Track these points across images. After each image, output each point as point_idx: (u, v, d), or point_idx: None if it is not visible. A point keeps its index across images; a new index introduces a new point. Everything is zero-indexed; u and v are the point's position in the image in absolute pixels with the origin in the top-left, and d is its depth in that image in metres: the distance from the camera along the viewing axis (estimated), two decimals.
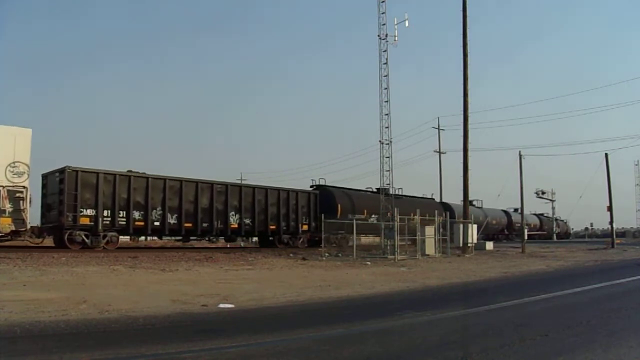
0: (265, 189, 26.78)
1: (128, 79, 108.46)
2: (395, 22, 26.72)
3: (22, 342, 5.80)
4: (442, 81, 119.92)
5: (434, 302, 10.23)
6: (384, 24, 26.14)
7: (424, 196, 39.03)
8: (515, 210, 53.55)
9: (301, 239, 28.01)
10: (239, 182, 26.21)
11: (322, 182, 31.65)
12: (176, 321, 7.28)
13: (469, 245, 27.68)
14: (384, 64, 26.06)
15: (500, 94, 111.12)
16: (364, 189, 35.12)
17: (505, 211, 52.61)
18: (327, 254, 21.89)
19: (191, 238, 25.39)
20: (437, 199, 47.24)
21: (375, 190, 33.73)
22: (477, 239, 31.84)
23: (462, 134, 29.00)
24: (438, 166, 53.27)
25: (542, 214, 63.22)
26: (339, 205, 29.60)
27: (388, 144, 26.28)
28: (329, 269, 16.72)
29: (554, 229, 63.76)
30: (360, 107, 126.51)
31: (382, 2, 26.19)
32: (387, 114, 26.00)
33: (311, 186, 31.02)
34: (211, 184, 24.15)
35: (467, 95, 28.71)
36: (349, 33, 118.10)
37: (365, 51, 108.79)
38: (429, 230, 24.49)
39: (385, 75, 26.03)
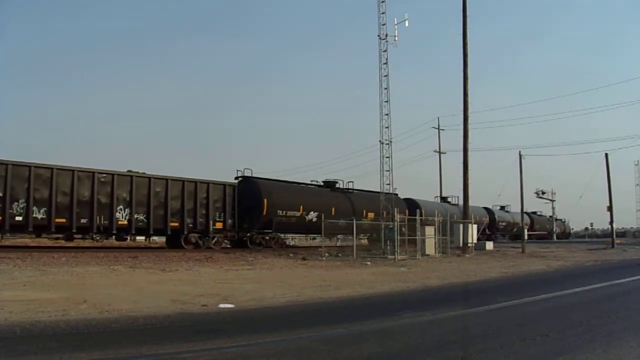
0: (165, 180, 22.52)
1: (128, 79, 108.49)
2: (395, 22, 26.79)
3: (22, 342, 5.80)
4: (442, 81, 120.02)
5: (434, 302, 10.23)
6: (384, 24, 26.20)
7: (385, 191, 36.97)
8: (502, 208, 51.59)
9: (215, 239, 23.87)
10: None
11: (248, 173, 27.04)
12: (176, 321, 7.28)
13: (469, 245, 27.68)
14: (384, 64, 26.11)
15: (500, 94, 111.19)
16: (305, 182, 31.10)
17: (487, 209, 48.88)
18: (327, 254, 21.89)
19: (75, 236, 21.57)
20: (438, 199, 46.55)
21: (321, 183, 31.05)
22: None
23: (462, 134, 29.05)
24: (438, 166, 53.34)
25: (534, 212, 59.15)
26: (266, 200, 25.49)
27: (388, 144, 26.33)
28: (329, 269, 16.72)
29: (554, 229, 63.54)
30: (360, 107, 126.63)
31: (382, 2, 26.22)
32: (387, 114, 26.05)
33: (236, 177, 26.82)
34: (92, 173, 20.50)
35: (467, 95, 28.72)
36: (349, 33, 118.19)
37: (365, 51, 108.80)
38: (429, 230, 24.48)
39: (385, 75, 26.08)
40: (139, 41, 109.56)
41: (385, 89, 25.96)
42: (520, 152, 33.98)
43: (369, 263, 19.55)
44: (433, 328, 7.15)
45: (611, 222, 38.92)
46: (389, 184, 26.91)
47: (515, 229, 51.64)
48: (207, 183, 23.97)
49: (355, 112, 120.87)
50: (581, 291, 11.60)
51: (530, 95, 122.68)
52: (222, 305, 8.69)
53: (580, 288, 12.06)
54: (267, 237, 26.38)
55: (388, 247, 23.29)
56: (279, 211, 25.99)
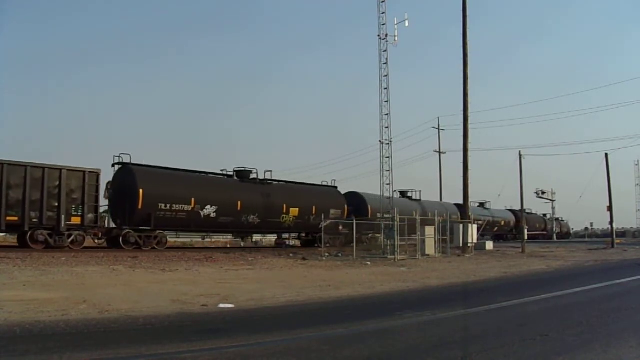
0: (1, 164, 18.50)
1: (127, 78, 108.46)
2: (395, 22, 26.78)
3: (22, 342, 5.80)
4: (442, 81, 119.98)
5: (434, 302, 10.23)
6: (384, 24, 26.20)
7: (324, 184, 30.78)
8: (481, 204, 47.24)
9: (72, 237, 19.73)
10: None
11: (126, 160, 22.39)
12: (176, 321, 7.28)
13: (469, 245, 27.69)
14: (383, 64, 26.10)
15: (500, 94, 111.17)
16: (205, 171, 25.95)
17: (460, 205, 41.88)
18: (327, 254, 21.90)
19: None
20: (435, 199, 45.32)
21: (231, 173, 26.38)
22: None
23: (462, 134, 29.07)
24: (438, 166, 53.35)
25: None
26: (142, 191, 21.24)
27: (388, 144, 26.30)
28: (329, 269, 16.73)
29: (554, 229, 63.49)
30: (360, 107, 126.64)
31: (382, 2, 26.22)
32: (387, 114, 26.03)
33: (113, 164, 22.57)
34: None
35: (467, 95, 28.74)
36: (349, 33, 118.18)
37: (365, 51, 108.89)
38: (429, 230, 24.49)
39: (385, 75, 26.07)
40: (139, 41, 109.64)
41: (385, 89, 25.98)
42: (520, 152, 33.97)
43: (369, 263, 19.57)
44: (433, 328, 7.15)
45: (611, 222, 38.96)
46: (388, 184, 26.90)
47: (496, 228, 48.02)
48: (60, 169, 19.87)
49: (355, 112, 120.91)
50: (581, 291, 11.61)
51: (530, 95, 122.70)
52: (222, 305, 8.69)
53: (580, 288, 12.06)
54: (146, 235, 21.72)
55: (388, 247, 23.29)
56: (160, 204, 21.75)
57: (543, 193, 61.45)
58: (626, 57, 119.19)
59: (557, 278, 15.99)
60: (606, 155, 37.16)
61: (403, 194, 38.21)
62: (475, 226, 29.67)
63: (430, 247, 24.24)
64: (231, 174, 26.31)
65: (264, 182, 26.94)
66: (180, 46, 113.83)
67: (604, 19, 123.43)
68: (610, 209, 38.06)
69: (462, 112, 28.98)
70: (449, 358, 5.40)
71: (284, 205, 26.65)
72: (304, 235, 29.70)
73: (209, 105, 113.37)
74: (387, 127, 26.10)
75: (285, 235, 30.35)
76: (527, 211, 55.00)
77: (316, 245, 27.00)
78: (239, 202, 24.41)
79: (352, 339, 6.47)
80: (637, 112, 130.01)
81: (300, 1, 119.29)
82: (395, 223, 22.41)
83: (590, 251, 31.95)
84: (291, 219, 26.66)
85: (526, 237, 33.99)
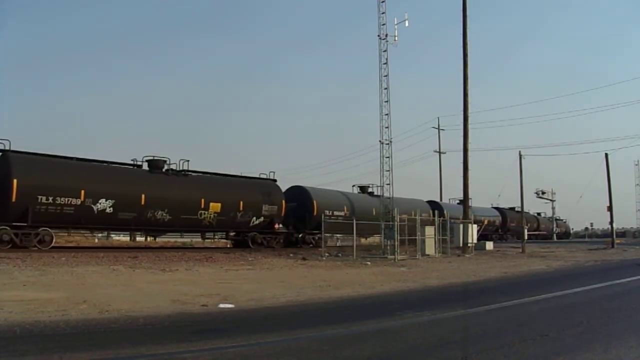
0: None
1: (128, 78, 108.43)
2: (395, 22, 26.81)
3: (22, 342, 5.80)
4: (442, 81, 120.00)
5: (434, 302, 10.24)
6: (384, 24, 26.22)
7: (262, 176, 27.35)
8: (461, 202, 39.85)
9: None
10: None
11: (8, 146, 19.12)
12: (176, 321, 7.28)
13: (469, 245, 27.69)
14: (383, 64, 26.12)
15: (500, 94, 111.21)
16: (105, 160, 22.14)
17: (435, 202, 40.02)
18: (327, 254, 21.91)
19: None
20: (435, 199, 45.01)
21: (137, 164, 22.87)
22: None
23: (462, 134, 29.08)
24: (438, 166, 53.38)
25: (512, 208, 50.51)
26: (16, 182, 18.13)
27: (388, 144, 26.31)
28: (329, 269, 16.73)
29: (554, 229, 63.50)
30: (360, 107, 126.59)
31: (382, 2, 26.24)
32: (387, 114, 26.05)
33: None
34: None
35: (467, 95, 28.76)
36: (349, 33, 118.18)
37: (365, 51, 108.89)
38: (429, 230, 24.50)
39: (385, 75, 26.09)
40: (139, 40, 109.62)
41: (385, 89, 25.99)
42: (520, 152, 33.91)
43: (369, 263, 19.57)
44: (433, 328, 7.15)
45: (611, 222, 38.94)
46: (389, 184, 26.91)
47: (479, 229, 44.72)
48: None
49: (355, 112, 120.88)
50: (581, 291, 11.61)
51: (530, 95, 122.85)
52: (222, 305, 8.69)
53: (580, 288, 12.06)
54: (23, 233, 18.37)
55: (388, 247, 23.29)
56: (40, 197, 18.67)
57: (543, 193, 61.42)
58: (626, 57, 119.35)
59: (557, 278, 15.99)
60: (606, 155, 37.21)
61: (363, 189, 34.26)
62: (475, 226, 29.68)
63: (430, 247, 24.24)
64: (140, 164, 23.05)
65: (179, 173, 23.60)
66: (180, 46, 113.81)
67: (604, 19, 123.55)
68: (610, 209, 38.07)
69: (462, 112, 29.06)
70: (449, 358, 5.41)
71: (202, 200, 23.31)
72: (232, 234, 26.12)
73: (208, 105, 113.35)
74: (387, 127, 26.13)
75: (209, 235, 26.93)
76: (517, 209, 51.98)
77: (250, 246, 24.66)
78: (143, 196, 21.30)
79: (352, 339, 6.47)
80: (637, 112, 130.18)
81: (300, 1, 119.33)
82: (396, 223, 22.41)
83: (590, 251, 31.94)
84: (212, 216, 23.52)
85: (526, 237, 33.94)
